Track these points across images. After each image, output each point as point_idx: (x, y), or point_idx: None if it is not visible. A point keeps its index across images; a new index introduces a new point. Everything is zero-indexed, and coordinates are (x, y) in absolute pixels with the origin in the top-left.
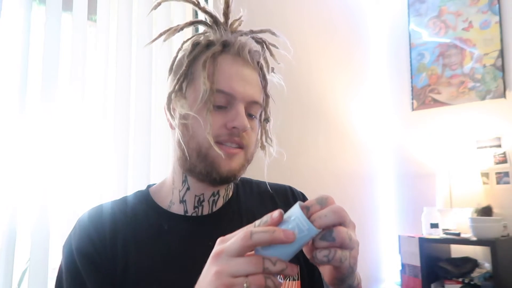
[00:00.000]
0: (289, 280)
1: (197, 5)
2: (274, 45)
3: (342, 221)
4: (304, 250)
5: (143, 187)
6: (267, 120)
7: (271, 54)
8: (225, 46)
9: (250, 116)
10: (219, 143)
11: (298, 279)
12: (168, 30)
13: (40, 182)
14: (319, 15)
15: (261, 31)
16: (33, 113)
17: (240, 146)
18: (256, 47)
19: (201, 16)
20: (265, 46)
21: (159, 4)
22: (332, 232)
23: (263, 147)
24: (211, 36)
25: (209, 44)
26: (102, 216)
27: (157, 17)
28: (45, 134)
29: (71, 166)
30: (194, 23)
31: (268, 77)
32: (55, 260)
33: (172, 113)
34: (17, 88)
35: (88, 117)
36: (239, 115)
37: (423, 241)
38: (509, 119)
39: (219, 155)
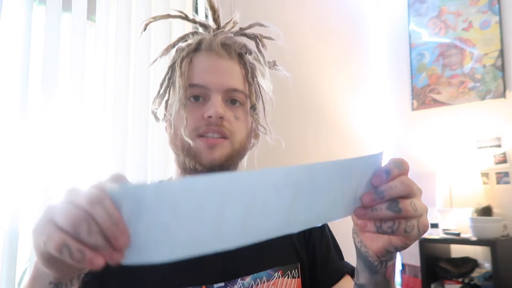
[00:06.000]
0: (289, 277)
1: (185, 18)
2: (269, 37)
3: (409, 192)
4: (354, 218)
5: None
6: (253, 107)
7: (263, 45)
8: (199, 44)
9: (233, 103)
10: (200, 135)
11: (298, 277)
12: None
13: (42, 182)
14: (319, 15)
15: (250, 26)
16: (34, 113)
17: (223, 136)
18: (233, 39)
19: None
20: (258, 40)
21: (147, 25)
22: (398, 203)
23: (256, 135)
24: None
25: (188, 47)
26: None
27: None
28: (46, 134)
29: (72, 166)
30: (186, 36)
31: (257, 65)
32: None
33: (158, 116)
34: (18, 87)
35: (87, 116)
36: (213, 104)
37: (423, 241)
38: (509, 119)
39: (200, 147)
